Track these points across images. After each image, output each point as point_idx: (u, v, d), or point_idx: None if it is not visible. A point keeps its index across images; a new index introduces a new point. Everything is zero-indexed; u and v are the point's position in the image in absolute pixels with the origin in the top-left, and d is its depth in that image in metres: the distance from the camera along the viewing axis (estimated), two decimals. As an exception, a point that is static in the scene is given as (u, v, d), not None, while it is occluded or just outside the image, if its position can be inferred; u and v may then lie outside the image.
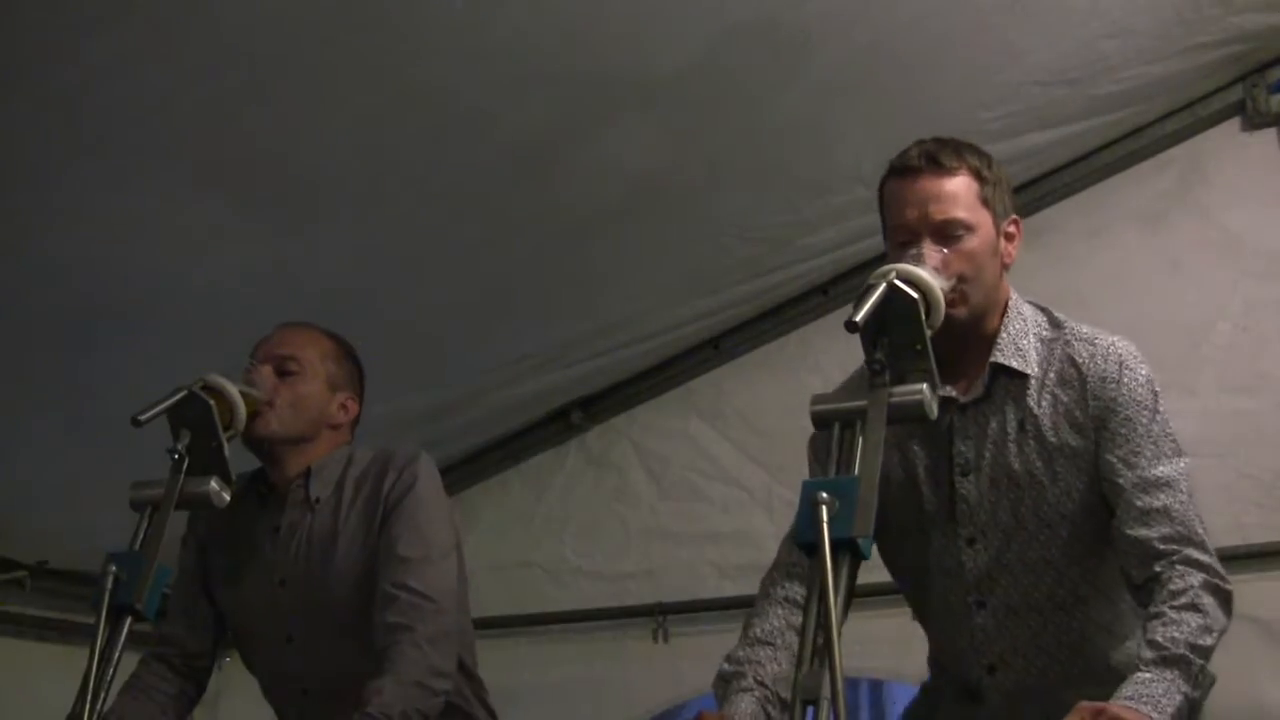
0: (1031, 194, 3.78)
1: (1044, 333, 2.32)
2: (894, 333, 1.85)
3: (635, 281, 3.83)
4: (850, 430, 1.82)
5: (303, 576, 2.72)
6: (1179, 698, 1.98)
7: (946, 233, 2.23)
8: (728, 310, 4.06)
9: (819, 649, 1.63)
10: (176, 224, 3.06)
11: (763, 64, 3.13)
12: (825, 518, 1.68)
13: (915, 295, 1.86)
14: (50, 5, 2.46)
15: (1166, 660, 2.02)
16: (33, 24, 2.48)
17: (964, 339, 2.27)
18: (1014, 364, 2.27)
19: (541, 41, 2.90)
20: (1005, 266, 2.32)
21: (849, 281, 3.90)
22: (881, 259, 3.76)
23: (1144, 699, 1.97)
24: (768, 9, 3.01)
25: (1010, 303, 2.32)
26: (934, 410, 1.84)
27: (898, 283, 1.87)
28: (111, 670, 2.03)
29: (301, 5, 2.64)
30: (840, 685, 1.59)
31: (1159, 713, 1.95)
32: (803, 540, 1.71)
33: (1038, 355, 2.29)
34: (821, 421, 1.84)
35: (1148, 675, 2.01)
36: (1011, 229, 2.33)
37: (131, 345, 3.26)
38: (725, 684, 2.24)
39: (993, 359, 2.28)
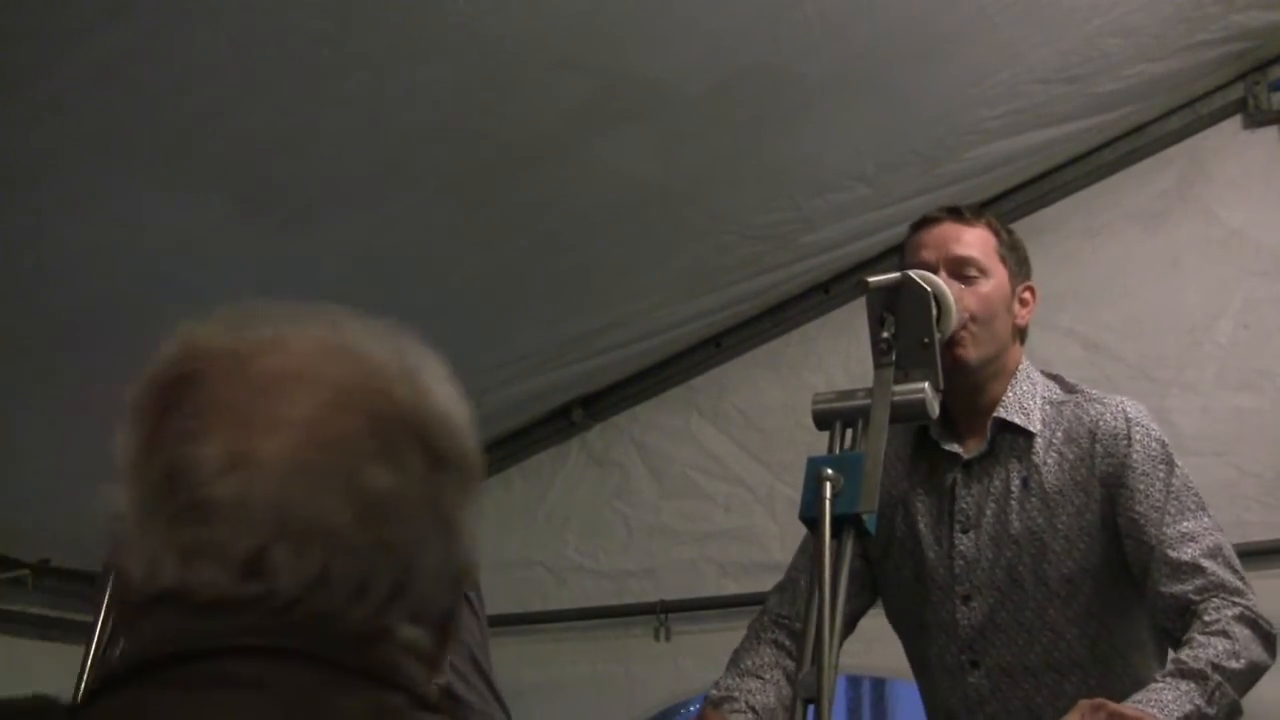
0: (1032, 192, 3.79)
1: (1054, 396, 2.34)
2: (902, 318, 1.86)
3: (636, 279, 3.83)
4: (852, 430, 1.82)
5: None
6: (1189, 708, 1.96)
7: (962, 271, 2.26)
8: (729, 308, 4.06)
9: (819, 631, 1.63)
10: (176, 224, 3.06)
11: (764, 62, 3.13)
12: (829, 494, 1.68)
13: (928, 288, 1.88)
14: (50, 5, 2.46)
15: (1183, 673, 2.00)
16: (33, 24, 2.48)
17: (971, 396, 2.29)
18: (1016, 420, 2.28)
19: (542, 41, 2.90)
20: (1018, 330, 2.34)
21: (850, 279, 3.90)
22: (883, 257, 3.80)
23: (1151, 702, 1.96)
24: (770, 9, 3.01)
25: (1020, 368, 2.34)
26: (935, 409, 1.84)
27: (913, 275, 1.90)
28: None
29: (302, 5, 2.64)
30: (829, 658, 1.59)
31: (1164, 714, 1.94)
32: (806, 516, 1.71)
33: (1043, 415, 2.30)
34: (823, 420, 1.85)
35: (1160, 684, 2.00)
36: (1026, 295, 2.36)
37: (132, 345, 3.25)
38: (715, 708, 2.24)
39: (996, 415, 2.28)
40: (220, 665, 0.89)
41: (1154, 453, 2.24)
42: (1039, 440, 2.28)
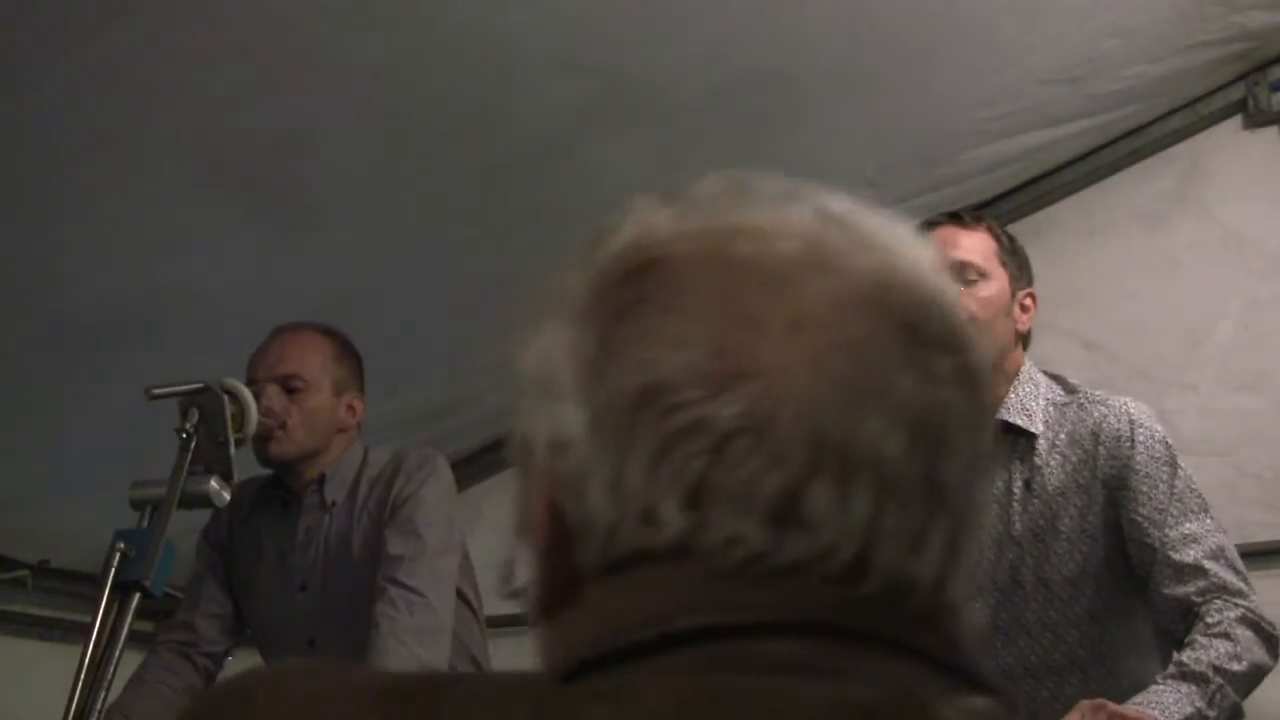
0: (1032, 193, 3.79)
1: (1057, 398, 2.34)
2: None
3: (636, 280, 3.82)
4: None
5: (321, 580, 2.73)
6: (1190, 710, 1.97)
7: (960, 275, 2.27)
8: (729, 309, 4.05)
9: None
10: (175, 225, 3.05)
11: (765, 63, 3.13)
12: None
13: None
14: (50, 5, 2.47)
15: (1185, 675, 2.01)
16: (33, 24, 2.48)
17: None
18: (1019, 422, 2.28)
19: (542, 43, 2.90)
20: (1020, 335, 2.34)
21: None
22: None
23: (1152, 704, 1.97)
24: (770, 9, 3.01)
25: (1023, 370, 2.34)
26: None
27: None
28: (118, 649, 2.03)
29: (302, 4, 2.64)
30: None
31: (1165, 716, 1.95)
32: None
33: (1046, 417, 2.30)
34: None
35: (1161, 686, 2.01)
36: (1027, 301, 2.37)
37: (132, 345, 3.26)
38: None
39: (999, 416, 2.29)
40: (772, 647, 0.66)
41: (1157, 454, 2.25)
42: (1041, 442, 2.28)
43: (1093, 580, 2.24)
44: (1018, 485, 2.28)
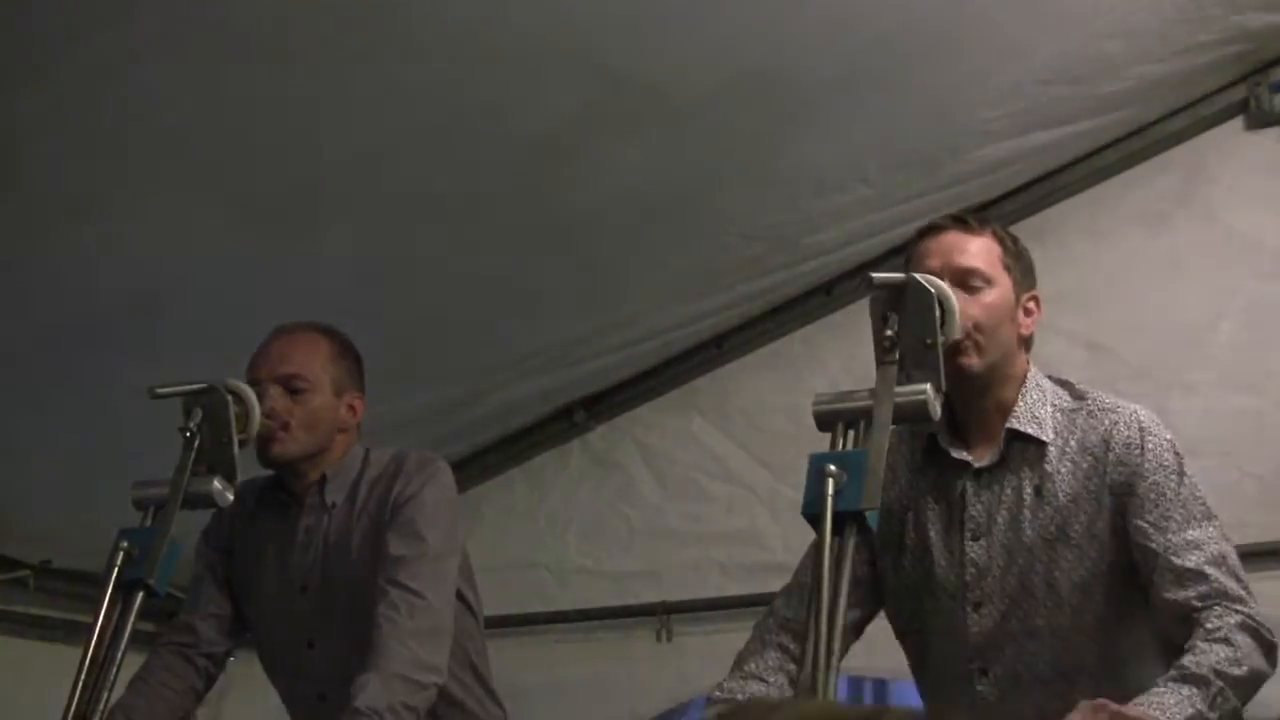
0: (1034, 194, 3.78)
1: (1065, 404, 2.34)
2: (906, 317, 1.88)
3: (638, 280, 3.83)
4: (854, 430, 1.83)
5: (321, 581, 2.73)
6: (1191, 711, 1.97)
7: (966, 281, 2.26)
8: (731, 309, 4.06)
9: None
10: (176, 224, 3.05)
11: (767, 64, 3.13)
12: (831, 490, 1.69)
13: (932, 290, 1.90)
14: (50, 5, 2.47)
15: (1185, 678, 2.01)
16: (33, 24, 2.48)
17: (979, 403, 2.30)
18: (1030, 430, 2.29)
19: (544, 42, 2.90)
20: (1023, 340, 2.35)
21: (852, 280, 3.90)
22: (885, 258, 3.79)
23: (1153, 705, 1.97)
24: (770, 10, 3.01)
25: (1029, 375, 2.34)
26: (936, 410, 1.85)
27: (918, 276, 1.91)
28: (121, 649, 2.02)
29: (303, 5, 2.64)
30: (825, 654, 1.58)
31: (1166, 716, 1.95)
32: (808, 512, 1.72)
33: (1055, 424, 2.30)
34: (825, 420, 1.85)
35: (1162, 689, 2.01)
36: (1031, 304, 2.37)
37: (134, 346, 3.26)
38: (716, 711, 2.25)
39: (1009, 425, 2.29)
40: None
41: (1166, 462, 2.25)
42: (1052, 449, 2.28)
43: (1102, 587, 2.24)
44: (1028, 492, 2.28)
